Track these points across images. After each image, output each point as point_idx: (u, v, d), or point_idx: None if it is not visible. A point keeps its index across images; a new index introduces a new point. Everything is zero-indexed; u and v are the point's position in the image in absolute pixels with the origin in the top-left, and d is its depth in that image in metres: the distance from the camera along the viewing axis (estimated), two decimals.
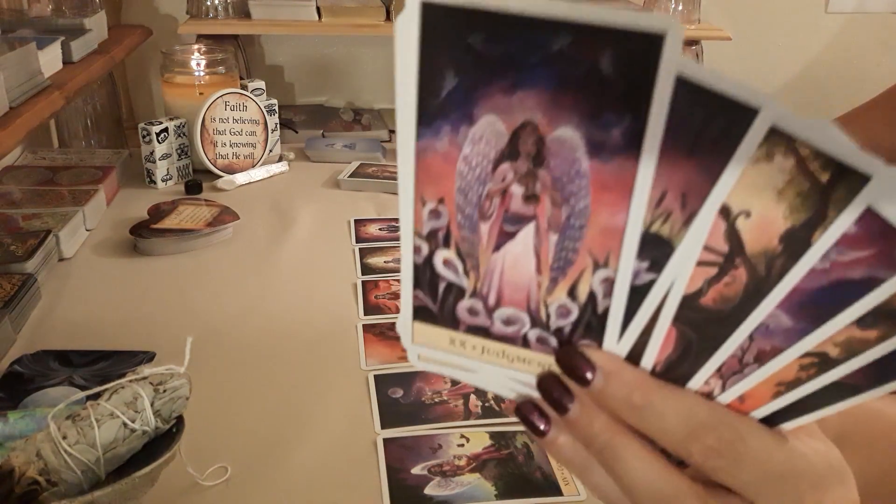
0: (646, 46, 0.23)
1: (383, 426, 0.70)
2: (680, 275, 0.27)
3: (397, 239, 1.09)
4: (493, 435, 0.70)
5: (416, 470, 0.65)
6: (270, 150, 1.34)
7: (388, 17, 1.46)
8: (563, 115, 0.25)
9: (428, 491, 0.63)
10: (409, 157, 0.28)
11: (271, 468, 0.65)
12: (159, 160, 1.22)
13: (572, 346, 0.30)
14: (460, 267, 0.30)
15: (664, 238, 0.26)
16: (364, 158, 1.38)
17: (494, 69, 0.25)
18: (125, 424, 0.53)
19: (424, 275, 0.30)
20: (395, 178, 1.40)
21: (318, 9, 1.45)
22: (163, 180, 1.24)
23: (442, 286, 0.30)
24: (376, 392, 0.75)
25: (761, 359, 0.28)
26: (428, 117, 0.27)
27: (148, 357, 0.79)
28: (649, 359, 0.29)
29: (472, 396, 0.75)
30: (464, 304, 0.30)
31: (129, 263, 1.01)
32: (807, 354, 0.27)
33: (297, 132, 1.52)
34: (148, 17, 1.59)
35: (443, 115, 0.26)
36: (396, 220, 1.21)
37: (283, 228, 1.11)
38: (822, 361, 0.27)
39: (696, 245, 0.26)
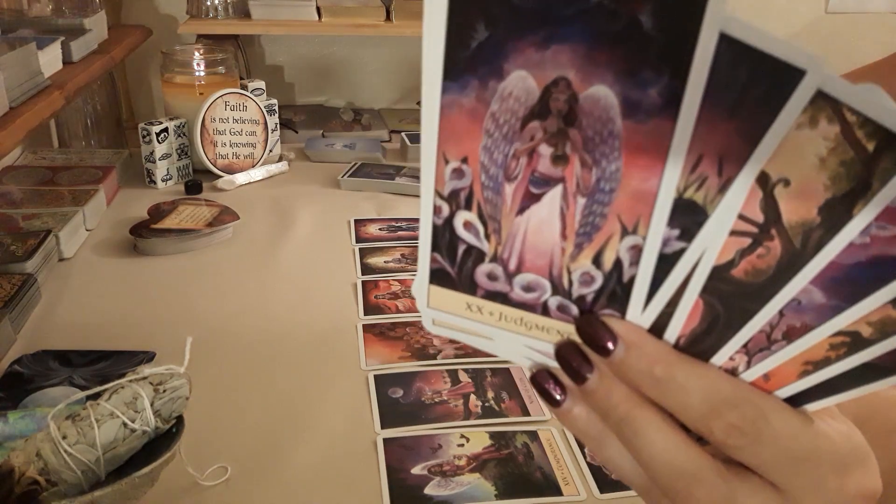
0: (689, 0, 0.22)
1: (383, 426, 0.70)
2: (712, 244, 0.26)
3: (397, 239, 1.10)
4: (493, 435, 0.70)
5: (416, 470, 0.65)
6: (270, 150, 1.34)
7: (388, 17, 1.46)
8: (598, 71, 0.24)
9: (428, 491, 0.63)
10: (434, 113, 0.26)
11: (271, 468, 0.65)
12: (159, 160, 1.22)
13: (594, 315, 0.29)
14: (481, 230, 0.29)
15: (697, 205, 0.25)
16: (364, 158, 1.38)
17: (528, 21, 0.23)
18: (125, 424, 0.53)
19: (443, 237, 0.29)
20: (395, 179, 1.40)
21: (318, 9, 1.45)
22: (163, 180, 1.24)
23: (461, 249, 0.29)
24: (376, 392, 0.75)
25: (790, 336, 0.27)
26: (455, 71, 0.25)
27: (148, 357, 0.79)
28: (674, 331, 0.28)
29: (472, 396, 0.75)
30: (483, 269, 0.29)
31: (129, 263, 1.01)
32: (838, 333, 0.26)
33: (297, 132, 1.52)
34: (148, 17, 1.59)
35: (471, 69, 0.25)
36: (396, 220, 1.20)
37: (283, 228, 1.11)
38: (853, 341, 0.26)
39: (731, 213, 0.25)
